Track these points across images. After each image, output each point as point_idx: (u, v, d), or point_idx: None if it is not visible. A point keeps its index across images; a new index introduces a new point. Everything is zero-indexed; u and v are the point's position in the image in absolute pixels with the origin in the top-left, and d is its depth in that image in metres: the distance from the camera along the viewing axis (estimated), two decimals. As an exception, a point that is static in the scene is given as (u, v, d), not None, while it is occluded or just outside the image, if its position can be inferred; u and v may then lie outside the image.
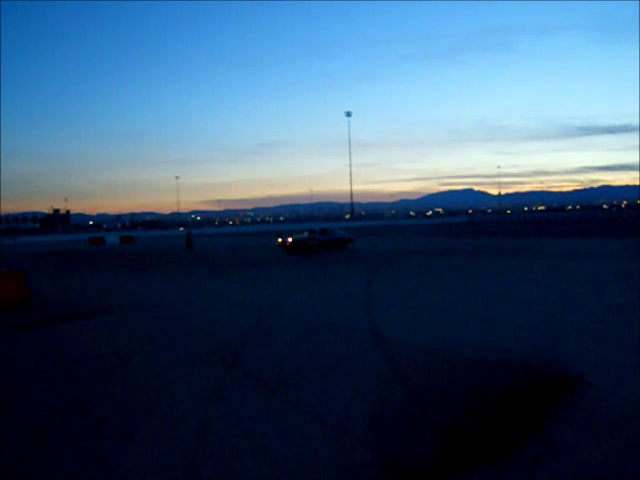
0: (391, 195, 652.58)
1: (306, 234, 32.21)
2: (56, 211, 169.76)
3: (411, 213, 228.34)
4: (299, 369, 7.39)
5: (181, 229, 56.19)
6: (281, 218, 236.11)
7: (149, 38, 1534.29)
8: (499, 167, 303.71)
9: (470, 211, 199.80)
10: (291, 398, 6.27)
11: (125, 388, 6.95)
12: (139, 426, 5.62)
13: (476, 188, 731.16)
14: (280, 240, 32.79)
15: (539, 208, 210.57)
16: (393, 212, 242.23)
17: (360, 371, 7.19)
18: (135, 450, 5.06)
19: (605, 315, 10.31)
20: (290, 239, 31.27)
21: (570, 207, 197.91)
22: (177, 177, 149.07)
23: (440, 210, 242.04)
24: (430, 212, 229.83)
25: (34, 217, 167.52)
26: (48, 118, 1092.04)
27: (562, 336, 8.74)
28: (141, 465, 4.77)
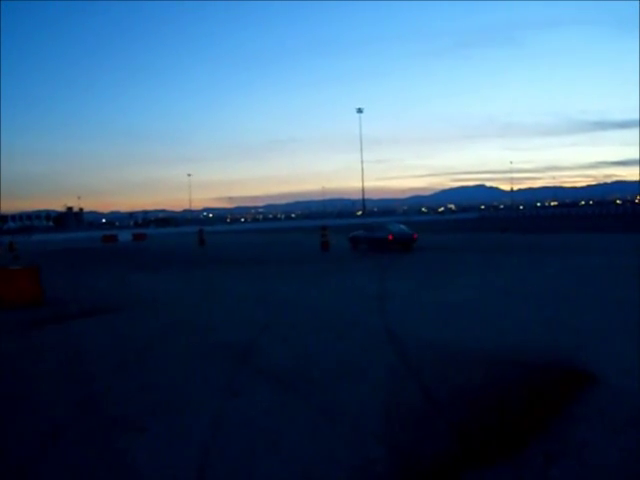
0: (403, 191, 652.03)
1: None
2: (69, 209, 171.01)
3: (423, 209, 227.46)
4: (313, 363, 7.41)
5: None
6: (293, 215, 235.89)
7: (161, 36, 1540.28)
8: (512, 163, 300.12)
9: (482, 207, 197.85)
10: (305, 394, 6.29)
11: (139, 384, 7.00)
12: (153, 421, 5.66)
13: (488, 184, 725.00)
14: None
15: (552, 204, 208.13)
16: (405, 208, 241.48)
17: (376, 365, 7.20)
18: (150, 445, 5.11)
19: (621, 311, 10.20)
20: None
21: (583, 202, 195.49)
22: (189, 174, 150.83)
23: (453, 206, 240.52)
24: (442, 208, 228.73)
25: (48, 215, 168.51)
26: (61, 117, 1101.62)
27: (574, 333, 8.67)
28: (155, 459, 4.81)
